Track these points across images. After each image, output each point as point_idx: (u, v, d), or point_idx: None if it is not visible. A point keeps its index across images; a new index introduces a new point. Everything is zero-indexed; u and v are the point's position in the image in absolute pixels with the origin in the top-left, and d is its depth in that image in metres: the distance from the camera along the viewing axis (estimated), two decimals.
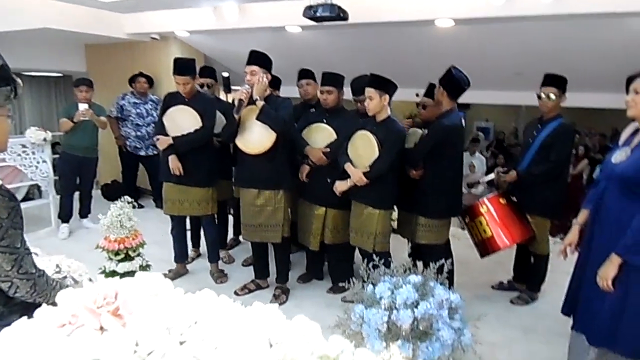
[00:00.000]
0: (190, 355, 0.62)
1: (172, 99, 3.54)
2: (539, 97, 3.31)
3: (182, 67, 3.43)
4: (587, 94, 5.21)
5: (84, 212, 5.04)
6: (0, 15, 4.46)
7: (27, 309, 1.48)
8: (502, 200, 3.38)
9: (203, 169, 3.56)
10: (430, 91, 3.36)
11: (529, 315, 3.36)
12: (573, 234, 2.37)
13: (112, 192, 6.04)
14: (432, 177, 3.15)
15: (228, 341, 0.66)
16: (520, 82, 5.06)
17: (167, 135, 3.48)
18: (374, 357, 0.83)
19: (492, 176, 3.71)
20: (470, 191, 6.68)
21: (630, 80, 2.06)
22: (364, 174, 3.05)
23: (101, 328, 0.65)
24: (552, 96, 3.24)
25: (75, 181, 4.89)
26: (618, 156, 2.09)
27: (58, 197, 4.91)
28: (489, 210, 3.36)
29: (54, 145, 6.37)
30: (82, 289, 0.72)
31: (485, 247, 3.38)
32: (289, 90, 4.91)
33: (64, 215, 4.83)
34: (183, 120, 3.46)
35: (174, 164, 3.45)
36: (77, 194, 4.99)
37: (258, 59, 3.19)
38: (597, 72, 4.68)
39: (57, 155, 5.18)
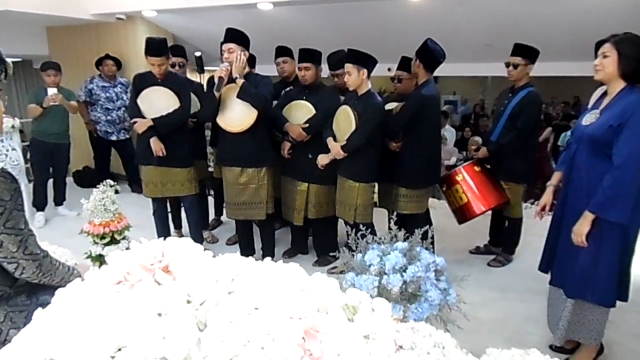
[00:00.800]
0: (239, 302, 0.67)
1: (144, 81, 3.45)
2: (507, 65, 3.43)
3: (156, 47, 3.33)
4: (551, 63, 5.38)
5: (59, 200, 4.95)
6: None
7: (32, 290, 1.50)
8: (476, 168, 3.54)
9: (183, 149, 3.54)
10: (403, 64, 3.43)
11: (505, 276, 3.55)
12: (547, 196, 2.49)
13: (84, 179, 5.93)
14: (411, 147, 3.26)
15: (268, 290, 0.72)
16: (490, 53, 5.19)
17: (143, 117, 3.42)
18: (388, 305, 0.91)
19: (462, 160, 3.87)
20: (443, 162, 6.87)
21: (598, 45, 2.16)
22: (342, 147, 3.12)
23: (156, 282, 0.69)
24: (518, 65, 3.36)
25: (49, 168, 4.78)
26: (588, 118, 2.20)
27: (31, 185, 4.79)
28: (465, 178, 3.51)
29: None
30: (131, 250, 0.76)
31: (463, 213, 3.53)
32: (264, 69, 4.87)
33: (39, 204, 4.73)
34: (160, 101, 3.41)
35: (157, 145, 3.40)
36: (50, 182, 4.89)
37: (235, 36, 3.17)
38: (561, 41, 4.84)
39: (26, 143, 5.03)
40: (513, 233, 3.69)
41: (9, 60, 1.39)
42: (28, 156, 4.92)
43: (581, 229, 2.17)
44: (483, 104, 12.97)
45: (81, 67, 5.86)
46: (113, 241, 3.04)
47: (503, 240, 3.79)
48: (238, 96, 3.11)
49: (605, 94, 2.21)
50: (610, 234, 2.14)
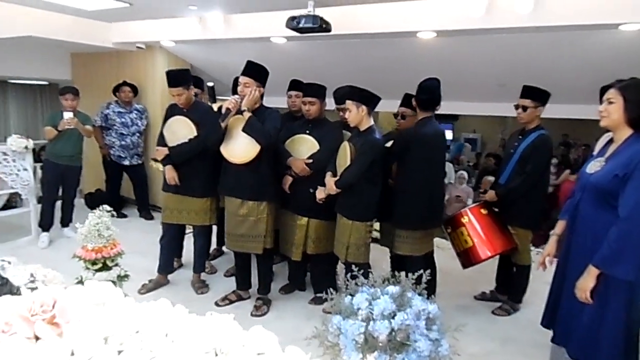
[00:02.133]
0: None
1: (172, 110, 3.61)
2: (516, 107, 3.35)
3: (174, 78, 3.48)
4: (569, 105, 5.27)
5: (66, 221, 4.98)
6: None
7: None
8: (483, 211, 3.40)
9: (199, 180, 3.56)
10: (407, 101, 3.39)
11: (509, 326, 3.36)
12: (551, 245, 2.38)
13: (95, 201, 5.97)
14: (404, 186, 3.18)
15: (169, 350, 0.64)
16: (504, 93, 5.10)
17: (166, 146, 3.55)
18: None
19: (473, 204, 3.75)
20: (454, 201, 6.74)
21: (603, 90, 2.09)
22: (335, 182, 3.06)
23: (36, 337, 0.63)
24: (527, 107, 3.28)
25: (58, 189, 4.84)
26: (592, 166, 2.11)
27: (39, 205, 4.84)
28: (470, 221, 3.37)
29: (39, 152, 6.32)
30: (19, 297, 0.70)
31: (468, 257, 3.39)
32: (272, 101, 4.91)
33: (45, 224, 4.77)
34: (179, 131, 3.52)
35: (170, 174, 3.51)
36: (59, 203, 4.94)
37: (254, 71, 3.20)
38: (578, 83, 4.74)
39: (40, 163, 5.13)
40: (520, 280, 3.51)
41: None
42: (39, 176, 5.00)
43: (585, 285, 2.03)
44: (504, 143, 12.79)
45: (101, 92, 6.01)
46: (105, 267, 2.99)
47: (510, 288, 3.60)
48: (243, 130, 3.11)
49: (611, 141, 2.12)
50: (616, 291, 2.00)
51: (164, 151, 3.53)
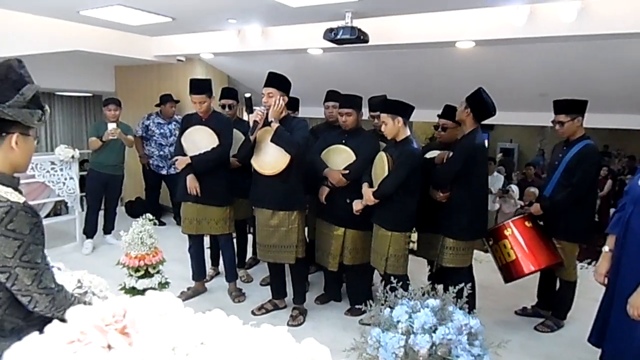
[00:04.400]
0: None
1: (190, 120, 3.63)
2: (553, 124, 3.27)
3: (197, 86, 3.52)
4: (613, 114, 5.10)
5: (108, 228, 5.14)
6: (35, 39, 4.66)
7: (46, 323, 1.51)
8: (527, 224, 3.31)
9: (220, 189, 3.60)
10: (447, 113, 3.34)
11: (553, 343, 3.24)
12: (606, 261, 2.28)
13: (135, 209, 6.16)
14: (459, 197, 3.11)
15: None
16: (545, 103, 4.98)
17: (185, 155, 3.55)
18: None
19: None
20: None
21: None
22: (373, 193, 3.05)
23: (109, 346, 0.65)
24: (563, 122, 3.19)
25: (102, 198, 5.01)
26: None
27: (84, 213, 5.02)
28: (514, 233, 3.29)
29: (82, 162, 6.57)
30: (92, 307, 0.73)
31: (510, 271, 3.29)
32: (309, 111, 4.96)
33: (89, 231, 4.94)
34: (201, 140, 3.53)
35: (192, 183, 3.50)
36: (102, 211, 5.11)
37: (275, 81, 3.23)
38: (621, 92, 4.59)
39: (84, 173, 5.33)
40: (565, 297, 3.38)
41: (46, 106, 1.47)
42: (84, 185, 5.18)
43: (638, 301, 1.95)
44: (543, 153, 12.46)
45: (142, 103, 6.22)
46: (147, 274, 3.08)
47: (554, 304, 3.47)
48: (272, 140, 3.14)
49: None
50: None
51: (185, 160, 3.51)
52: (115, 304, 0.72)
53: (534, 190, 6.56)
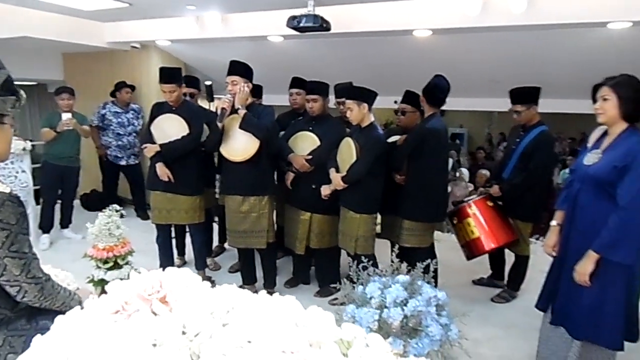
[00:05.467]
0: (232, 335, 0.68)
1: (159, 109, 3.59)
2: (511, 112, 3.48)
3: (168, 75, 3.48)
4: (557, 100, 5.45)
5: (65, 222, 4.99)
6: None
7: (32, 314, 1.51)
8: (489, 203, 3.52)
9: (191, 178, 3.59)
10: (407, 98, 3.47)
11: (509, 313, 3.50)
12: (555, 235, 2.44)
13: (92, 202, 5.99)
14: (415, 180, 3.27)
15: (262, 323, 0.73)
16: (494, 89, 5.26)
17: (154, 143, 3.51)
18: (383, 341, 0.91)
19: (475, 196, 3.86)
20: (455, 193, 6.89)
21: (596, 88, 2.20)
22: (342, 177, 3.15)
23: (153, 313, 0.71)
24: (520, 112, 3.41)
25: (57, 191, 4.84)
26: (590, 158, 2.20)
27: (38, 207, 4.84)
28: (476, 213, 3.49)
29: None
30: (130, 280, 0.77)
31: (472, 248, 3.50)
32: (272, 99, 4.97)
33: (45, 226, 4.77)
34: (170, 128, 3.50)
35: (162, 170, 3.48)
36: (57, 204, 4.94)
37: (238, 68, 3.26)
38: (566, 78, 4.91)
39: (37, 165, 5.12)
40: (519, 270, 3.64)
41: (22, 91, 1.45)
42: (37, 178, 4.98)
43: (585, 268, 2.15)
44: (490, 137, 13.04)
45: (94, 92, 6.00)
46: (116, 266, 3.05)
47: (509, 276, 3.74)
48: (240, 127, 3.17)
49: (605, 133, 2.23)
50: (615, 274, 2.13)
51: (154, 148, 3.49)
52: (152, 277, 0.77)
53: (485, 172, 6.91)
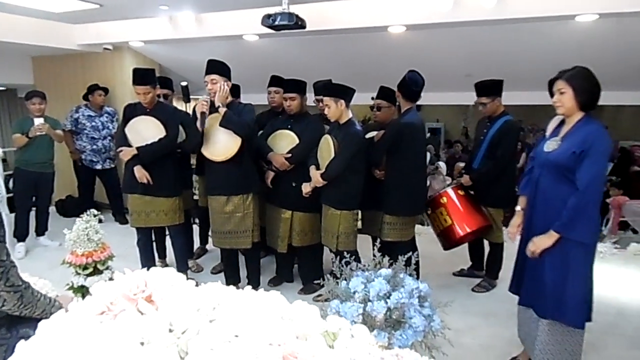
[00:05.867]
0: (219, 330, 0.69)
1: (133, 110, 3.52)
2: (476, 105, 3.60)
3: (142, 76, 3.43)
4: (529, 92, 5.57)
5: (41, 230, 4.88)
6: None
7: (12, 322, 1.49)
8: (460, 192, 3.62)
9: (169, 179, 3.55)
10: (382, 93, 3.51)
11: (489, 301, 3.57)
12: (520, 218, 2.56)
13: (68, 208, 5.87)
14: (394, 175, 3.32)
15: (248, 318, 0.73)
16: (470, 83, 5.33)
17: (130, 146, 3.45)
18: (367, 331, 0.93)
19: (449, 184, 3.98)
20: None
21: (551, 83, 2.32)
22: (321, 174, 3.17)
23: (139, 312, 0.71)
24: (485, 104, 3.53)
25: (32, 198, 4.74)
26: (549, 145, 2.33)
27: (12, 215, 4.72)
28: (448, 201, 3.58)
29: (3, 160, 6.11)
30: (115, 281, 0.77)
31: (447, 236, 3.59)
32: (250, 98, 4.94)
33: (20, 234, 4.66)
34: (147, 131, 3.45)
35: (141, 173, 3.42)
36: (32, 212, 4.83)
37: (217, 67, 3.24)
38: (537, 71, 5.00)
39: (8, 172, 5.00)
40: (495, 258, 3.74)
41: None
42: (10, 185, 4.87)
43: (541, 242, 2.28)
44: (466, 131, 13.24)
45: (67, 96, 5.88)
46: (96, 272, 2.99)
47: (486, 265, 3.84)
48: (221, 124, 3.15)
49: (562, 122, 2.36)
50: (576, 254, 2.25)
51: (131, 151, 3.43)
52: (137, 277, 0.77)
53: (461, 164, 7.05)
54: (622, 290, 3.79)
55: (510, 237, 2.63)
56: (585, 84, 2.21)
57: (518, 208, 2.56)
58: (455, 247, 3.75)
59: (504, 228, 4.28)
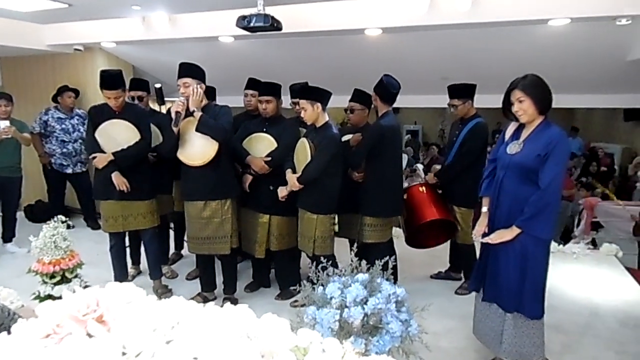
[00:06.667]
0: (178, 352, 0.64)
1: (100, 114, 3.35)
2: (449, 106, 3.64)
3: (112, 80, 3.27)
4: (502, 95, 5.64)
5: (8, 236, 4.71)
6: None
7: None
8: (421, 189, 3.70)
9: (145, 182, 3.47)
10: (356, 96, 3.50)
11: (467, 304, 3.55)
12: (486, 219, 2.61)
13: (37, 213, 5.68)
14: (373, 177, 3.32)
15: (211, 337, 0.69)
16: (445, 86, 5.39)
17: (102, 152, 3.32)
18: (339, 345, 0.89)
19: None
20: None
21: (507, 96, 2.41)
22: (297, 178, 3.14)
23: (88, 335, 0.65)
24: (457, 106, 3.58)
25: None
26: (512, 148, 2.42)
27: None
28: (409, 195, 3.69)
29: None
30: (63, 300, 0.71)
31: (410, 224, 3.68)
32: (226, 100, 4.87)
33: None
34: (119, 135, 3.33)
35: (119, 179, 3.30)
36: None
37: (189, 70, 3.15)
38: (511, 74, 5.07)
39: None
40: (469, 259, 3.74)
41: None
42: None
43: (504, 235, 2.39)
44: (443, 133, 13.39)
45: (36, 98, 5.71)
46: (64, 280, 2.89)
47: (463, 268, 3.85)
48: (197, 129, 3.08)
49: (522, 126, 2.45)
50: (535, 249, 2.38)
51: (106, 157, 3.30)
52: (88, 295, 0.71)
53: (438, 167, 7.10)
54: (596, 291, 3.86)
55: (475, 236, 2.68)
56: (539, 91, 2.33)
57: (484, 209, 2.63)
58: (423, 246, 3.85)
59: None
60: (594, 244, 5.27)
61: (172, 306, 0.79)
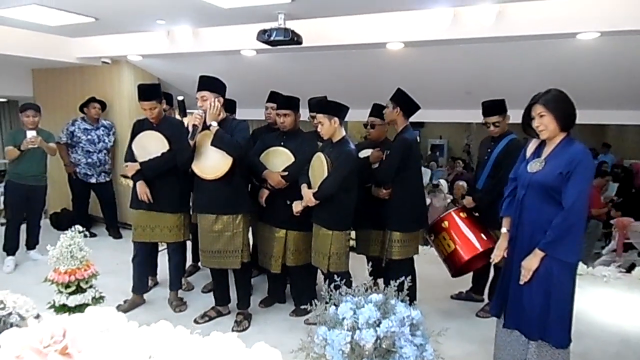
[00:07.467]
0: None
1: (140, 126, 3.54)
2: (487, 126, 3.46)
3: (147, 92, 3.43)
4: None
5: (32, 243, 4.80)
6: None
7: None
8: (462, 215, 3.50)
9: (173, 195, 3.51)
10: (375, 111, 3.45)
11: (488, 328, 3.41)
12: (505, 240, 2.51)
13: (62, 221, 5.80)
14: (400, 191, 3.27)
15: None
16: (471, 100, 5.27)
17: (136, 161, 3.46)
18: None
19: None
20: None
21: (527, 110, 2.32)
22: (313, 194, 3.08)
23: None
24: (497, 123, 3.42)
25: (23, 211, 4.67)
26: (533, 166, 2.33)
27: (3, 228, 4.65)
28: (450, 225, 3.47)
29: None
30: (27, 328, 0.68)
31: (453, 261, 3.45)
32: (246, 113, 4.90)
33: (10, 248, 4.58)
34: (150, 145, 3.45)
35: (142, 189, 3.43)
36: (23, 225, 4.75)
37: (208, 84, 3.17)
38: (536, 89, 4.93)
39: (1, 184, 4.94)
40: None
41: None
42: (2, 198, 4.80)
43: (530, 264, 2.27)
44: (469, 148, 13.15)
45: (65, 109, 5.86)
46: (79, 290, 2.90)
47: (489, 290, 3.69)
48: (212, 144, 3.08)
49: (542, 143, 2.36)
50: (560, 272, 2.25)
51: (134, 167, 3.45)
52: (54, 323, 0.68)
53: (463, 183, 6.90)
54: (627, 318, 3.65)
55: (496, 259, 2.55)
56: (562, 106, 2.24)
57: (504, 230, 2.52)
58: (464, 273, 3.61)
59: None
60: (631, 268, 4.96)
61: (153, 334, 0.74)
